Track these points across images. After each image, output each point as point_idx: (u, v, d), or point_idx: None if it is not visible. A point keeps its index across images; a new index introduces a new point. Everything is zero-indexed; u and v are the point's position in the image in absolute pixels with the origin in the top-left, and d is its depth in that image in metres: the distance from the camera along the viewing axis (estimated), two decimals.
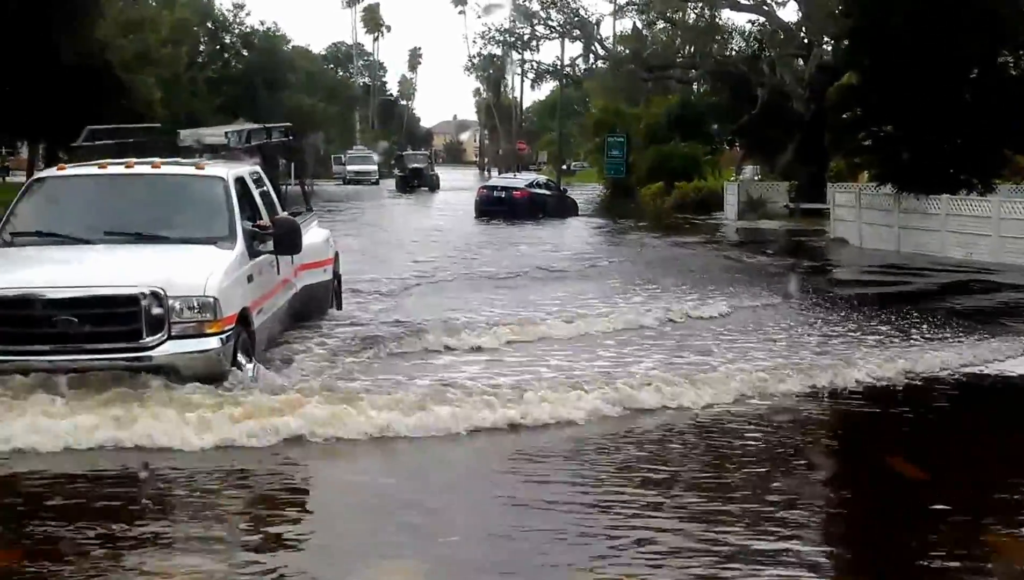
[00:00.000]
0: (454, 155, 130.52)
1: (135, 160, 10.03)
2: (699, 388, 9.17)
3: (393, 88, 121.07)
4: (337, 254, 12.78)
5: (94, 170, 10.01)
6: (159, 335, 7.94)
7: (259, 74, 53.24)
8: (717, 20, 46.25)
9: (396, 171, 66.34)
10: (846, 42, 29.78)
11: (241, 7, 55.59)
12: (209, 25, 53.13)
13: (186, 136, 11.34)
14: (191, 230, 9.24)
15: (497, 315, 13.45)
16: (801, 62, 40.37)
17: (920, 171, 24.58)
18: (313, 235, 11.88)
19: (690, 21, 46.71)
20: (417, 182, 59.87)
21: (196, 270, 8.32)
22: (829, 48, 37.85)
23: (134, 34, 34.16)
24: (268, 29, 57.14)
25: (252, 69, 53.76)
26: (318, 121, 64.21)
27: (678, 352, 11.34)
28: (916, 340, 12.30)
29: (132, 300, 7.94)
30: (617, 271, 20.23)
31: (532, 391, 8.63)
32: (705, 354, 11.17)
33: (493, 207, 36.60)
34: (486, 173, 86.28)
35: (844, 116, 29.03)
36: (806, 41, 39.95)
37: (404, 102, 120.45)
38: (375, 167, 73.18)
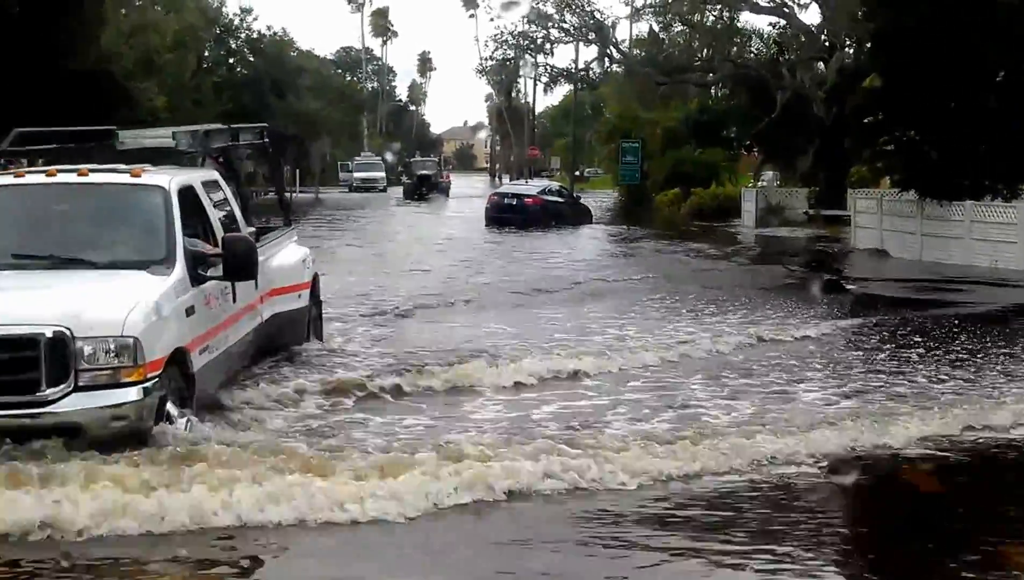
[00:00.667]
0: (465, 161, 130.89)
1: (58, 168, 8.55)
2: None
3: (403, 93, 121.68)
4: (316, 277, 11.32)
5: (7, 180, 8.53)
6: (62, 386, 6.58)
7: (266, 79, 53.53)
8: (736, 23, 46.37)
9: (404, 178, 66.46)
10: (868, 45, 29.82)
11: (248, 11, 56.05)
12: (216, 30, 53.46)
13: (126, 138, 9.63)
14: (120, 252, 7.85)
15: (511, 346, 12.02)
16: (822, 66, 40.37)
17: (944, 177, 24.53)
18: (287, 255, 10.64)
19: (708, 24, 46.80)
20: (425, 189, 59.67)
21: (114, 304, 6.91)
22: (851, 51, 37.88)
23: (138, 40, 34.39)
24: (275, 34, 57.49)
25: (259, 74, 54.06)
26: (325, 127, 64.49)
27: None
28: None
29: (29, 342, 6.57)
30: (645, 290, 18.69)
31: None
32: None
33: (504, 215, 36.49)
34: (497, 180, 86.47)
35: (866, 120, 28.99)
36: (827, 44, 39.95)
37: (413, 107, 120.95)
38: (383, 174, 73.28)
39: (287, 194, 13.16)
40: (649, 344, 12.31)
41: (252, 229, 9.95)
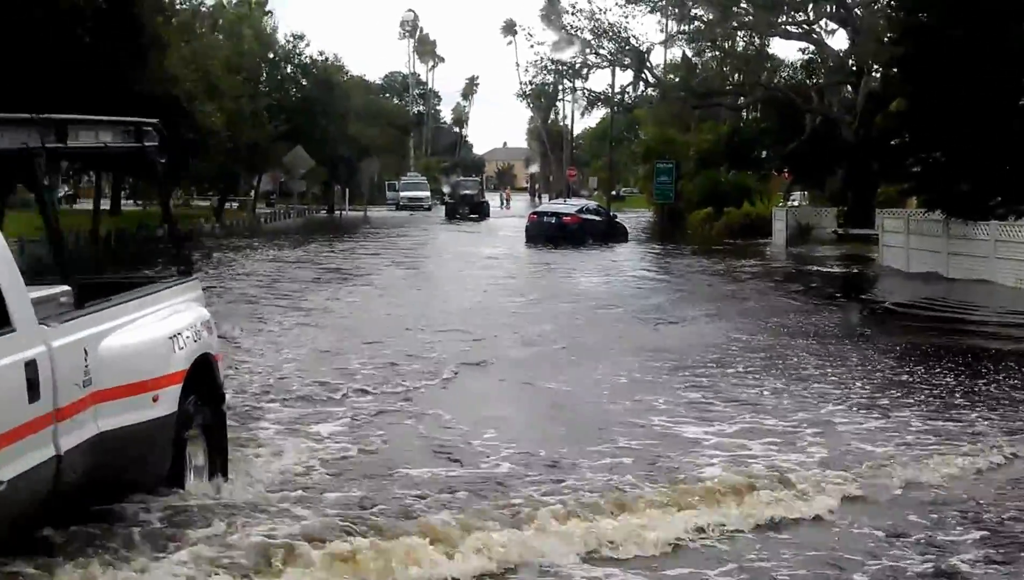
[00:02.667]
0: (505, 181, 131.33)
1: None
2: None
3: (447, 116, 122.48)
4: (209, 361, 6.47)
5: None
6: None
7: (317, 103, 53.92)
8: (766, 48, 46.25)
9: (447, 198, 64.69)
10: (895, 69, 29.62)
11: (301, 38, 56.37)
12: (271, 56, 53.89)
13: None
14: None
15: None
16: (849, 89, 40.19)
17: (969, 197, 24.31)
18: (144, 328, 6.00)
19: (739, 49, 46.70)
20: (468, 209, 58.36)
21: None
22: (877, 75, 37.65)
23: (198, 65, 34.85)
24: (326, 59, 57.86)
25: (310, 98, 54.48)
26: (375, 148, 64.85)
27: None
28: None
29: None
30: (732, 340, 14.42)
31: None
32: None
33: (543, 232, 36.54)
34: (537, 199, 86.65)
35: (892, 142, 28.84)
36: (854, 69, 39.76)
37: (457, 129, 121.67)
38: (428, 193, 73.77)
39: (174, 230, 8.50)
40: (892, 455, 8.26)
41: (65, 288, 6.08)
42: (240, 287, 20.82)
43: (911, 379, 11.84)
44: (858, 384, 11.49)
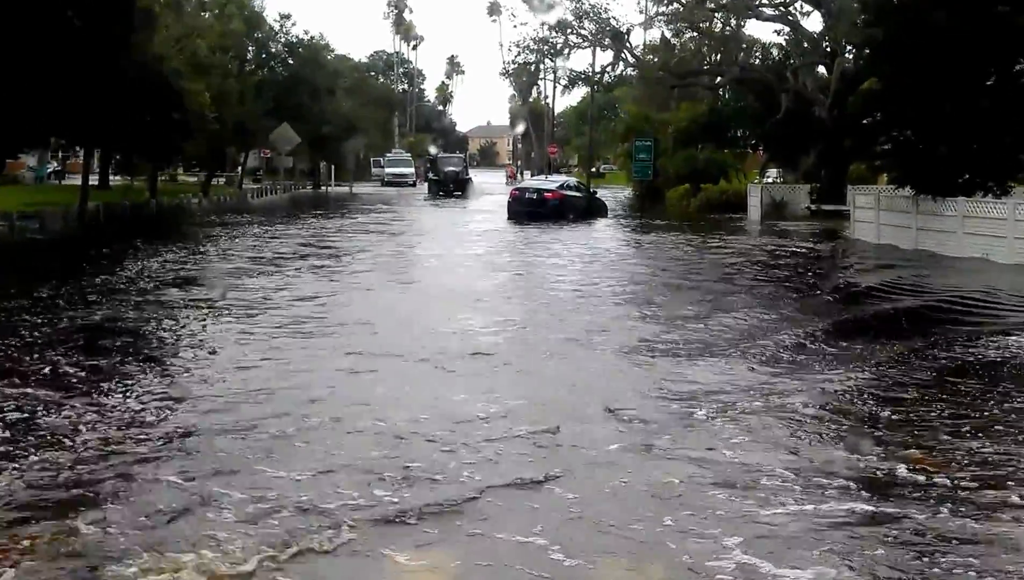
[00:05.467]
0: (488, 158, 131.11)
1: None
2: None
3: (431, 94, 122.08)
4: None
5: None
6: None
7: (304, 80, 53.55)
8: (743, 30, 46.23)
9: (429, 175, 62.90)
10: (868, 51, 29.66)
11: (287, 17, 55.96)
12: (257, 35, 53.38)
13: None
14: None
15: None
16: (823, 70, 40.27)
17: (938, 174, 24.42)
18: None
19: (716, 31, 46.65)
20: (452, 186, 57.13)
21: None
22: (851, 56, 37.72)
23: (186, 45, 34.53)
24: (312, 38, 57.39)
25: (297, 75, 54.10)
26: (360, 126, 64.49)
27: None
28: None
29: None
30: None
31: None
32: None
33: (526, 209, 36.32)
34: (519, 175, 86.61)
35: (865, 121, 28.93)
36: (828, 50, 39.83)
37: (441, 108, 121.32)
38: (412, 169, 73.96)
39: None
40: None
41: None
42: (218, 265, 20.37)
43: None
44: None
